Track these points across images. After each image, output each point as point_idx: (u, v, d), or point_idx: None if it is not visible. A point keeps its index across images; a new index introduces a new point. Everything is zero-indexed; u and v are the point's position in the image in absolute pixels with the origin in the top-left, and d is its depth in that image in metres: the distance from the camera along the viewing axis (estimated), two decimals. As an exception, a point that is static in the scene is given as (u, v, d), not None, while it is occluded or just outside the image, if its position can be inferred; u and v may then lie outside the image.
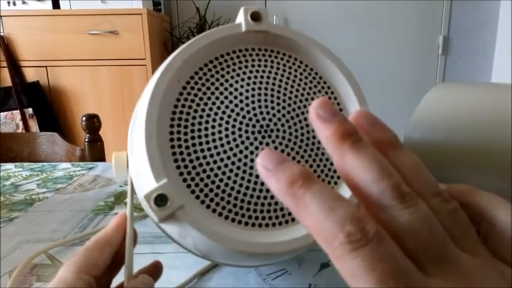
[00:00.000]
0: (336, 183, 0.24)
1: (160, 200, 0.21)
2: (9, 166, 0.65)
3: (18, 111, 1.61)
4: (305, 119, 0.25)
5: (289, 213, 0.23)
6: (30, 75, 1.67)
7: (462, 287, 0.12)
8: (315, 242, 0.21)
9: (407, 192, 0.13)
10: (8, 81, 1.62)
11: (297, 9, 2.02)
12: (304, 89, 0.25)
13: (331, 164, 0.25)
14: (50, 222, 0.42)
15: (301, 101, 0.25)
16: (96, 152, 0.79)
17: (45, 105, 1.66)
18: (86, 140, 0.80)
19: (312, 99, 0.25)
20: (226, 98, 0.24)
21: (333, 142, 0.14)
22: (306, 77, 0.26)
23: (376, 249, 0.12)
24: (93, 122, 0.80)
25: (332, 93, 0.26)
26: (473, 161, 0.28)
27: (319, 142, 0.24)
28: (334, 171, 0.25)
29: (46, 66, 1.66)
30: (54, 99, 1.69)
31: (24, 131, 1.60)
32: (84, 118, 0.80)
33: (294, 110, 0.25)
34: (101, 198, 0.50)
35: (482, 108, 0.29)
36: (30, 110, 1.63)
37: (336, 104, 0.26)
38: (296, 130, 0.24)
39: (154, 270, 0.25)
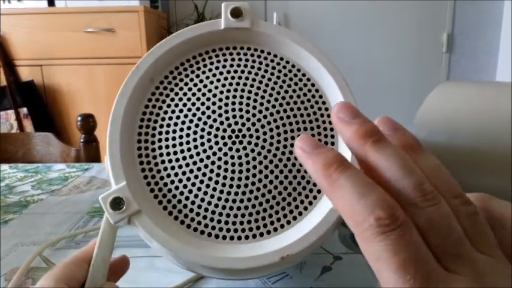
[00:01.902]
0: (315, 197, 0.22)
1: (117, 203, 0.20)
2: (4, 167, 0.64)
3: (13, 110, 1.60)
4: (283, 125, 0.22)
5: (257, 227, 0.21)
6: (25, 74, 1.65)
7: (476, 285, 0.13)
8: (280, 261, 0.20)
9: (430, 190, 0.14)
10: (2, 81, 1.60)
11: (298, 6, 2.01)
12: (286, 91, 0.23)
13: (308, 178, 0.22)
14: (45, 225, 0.41)
15: (281, 105, 0.23)
16: (91, 152, 0.78)
17: (40, 105, 1.65)
18: (81, 140, 0.79)
19: (295, 103, 0.23)
20: (198, 99, 0.22)
21: (354, 142, 0.15)
22: (291, 79, 0.24)
23: (402, 236, 0.12)
24: (88, 122, 0.79)
25: (320, 97, 0.23)
26: (477, 161, 0.27)
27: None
28: (314, 185, 0.22)
29: (41, 65, 1.64)
30: (49, 99, 1.68)
31: (18, 131, 1.59)
32: (79, 118, 0.79)
33: (271, 114, 0.22)
34: (96, 200, 0.49)
35: (487, 107, 0.29)
36: (24, 110, 1.62)
37: (324, 109, 0.23)
38: (271, 137, 0.22)
39: (121, 264, 0.25)
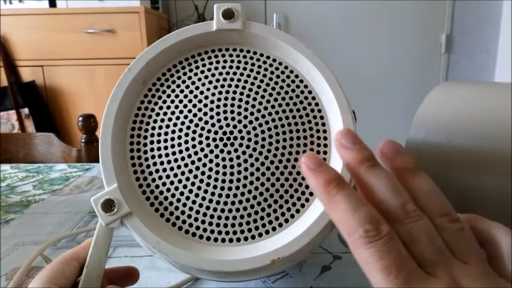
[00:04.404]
0: (307, 199, 0.22)
1: (109, 205, 0.20)
2: (5, 167, 0.64)
3: (14, 111, 1.60)
4: (275, 127, 0.22)
5: (249, 230, 0.21)
6: (26, 74, 1.65)
7: (451, 286, 0.15)
8: (271, 264, 0.20)
9: (413, 209, 0.16)
10: (3, 81, 1.61)
11: (298, 7, 2.00)
12: (279, 93, 0.23)
13: (302, 178, 0.22)
14: (46, 224, 0.42)
15: (273, 106, 0.22)
16: (92, 152, 0.78)
17: (42, 105, 1.65)
18: (83, 140, 0.79)
19: (287, 104, 0.23)
20: (190, 101, 0.22)
21: (351, 166, 0.18)
22: (284, 80, 0.23)
23: (385, 244, 0.15)
24: (89, 122, 0.79)
25: (313, 98, 0.23)
26: (477, 161, 0.28)
27: (289, 153, 0.22)
28: (306, 187, 0.22)
29: (42, 66, 1.65)
30: (50, 99, 1.68)
31: (20, 132, 1.59)
32: (80, 118, 0.79)
33: (263, 116, 0.22)
34: (98, 199, 0.49)
35: (486, 107, 0.29)
36: (26, 110, 1.62)
37: (317, 111, 0.23)
38: (263, 139, 0.22)
39: (128, 274, 0.25)
